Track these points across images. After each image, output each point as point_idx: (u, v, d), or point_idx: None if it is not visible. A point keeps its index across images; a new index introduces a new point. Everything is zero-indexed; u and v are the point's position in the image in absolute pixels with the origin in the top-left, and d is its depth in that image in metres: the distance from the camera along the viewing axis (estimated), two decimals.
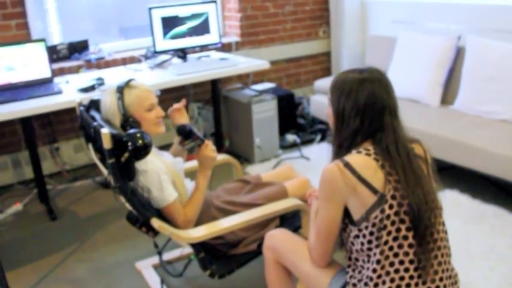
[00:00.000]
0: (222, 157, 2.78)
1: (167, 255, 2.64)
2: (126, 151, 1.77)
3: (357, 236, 1.58)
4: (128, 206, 1.95)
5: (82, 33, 3.96)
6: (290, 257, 1.82)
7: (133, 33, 4.29)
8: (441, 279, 1.56)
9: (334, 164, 1.57)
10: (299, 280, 1.87)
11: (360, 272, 1.62)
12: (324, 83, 4.31)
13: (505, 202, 3.12)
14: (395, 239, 1.52)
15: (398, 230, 1.52)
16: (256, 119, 3.84)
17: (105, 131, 1.76)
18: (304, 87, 5.07)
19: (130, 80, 2.08)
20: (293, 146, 4.25)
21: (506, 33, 3.61)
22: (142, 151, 1.79)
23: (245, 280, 2.48)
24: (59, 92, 3.12)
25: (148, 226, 2.07)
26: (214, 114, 4.15)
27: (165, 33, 3.75)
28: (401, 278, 1.52)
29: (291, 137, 4.30)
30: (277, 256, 1.87)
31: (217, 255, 2.17)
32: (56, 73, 3.50)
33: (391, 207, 1.51)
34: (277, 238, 1.89)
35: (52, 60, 3.53)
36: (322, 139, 4.35)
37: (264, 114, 3.89)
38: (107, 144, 1.76)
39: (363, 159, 1.56)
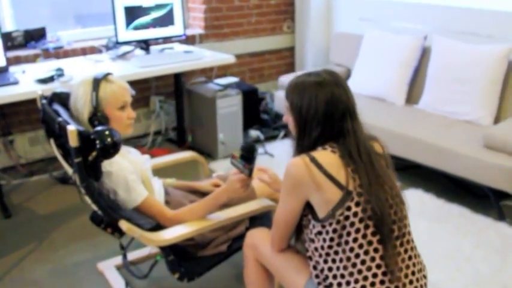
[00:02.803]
0: (187, 154, 2.70)
1: (131, 256, 2.54)
2: (94, 149, 1.67)
3: (319, 233, 1.56)
4: (94, 207, 1.85)
5: (35, 20, 3.76)
6: (268, 256, 1.78)
7: (90, 22, 4.12)
8: (411, 282, 1.55)
9: (300, 159, 1.55)
10: (276, 279, 1.84)
11: (322, 271, 1.60)
12: (287, 79, 4.24)
13: (468, 202, 3.16)
14: (360, 246, 1.50)
15: (364, 236, 1.50)
16: (220, 114, 3.76)
17: (71, 127, 1.65)
18: (267, 82, 5.02)
19: (108, 74, 1.97)
20: (256, 142, 4.19)
21: (471, 35, 3.66)
22: (111, 150, 1.69)
23: (214, 283, 2.41)
24: (15, 83, 2.95)
25: (114, 227, 1.97)
26: (176, 108, 4.04)
27: (127, 24, 3.61)
28: (372, 284, 1.51)
29: (254, 133, 4.24)
30: (257, 254, 1.83)
31: (186, 257, 2.09)
32: (10, 62, 3.31)
33: (357, 204, 1.50)
34: (257, 236, 1.85)
35: (6, 48, 3.34)
36: (286, 135, 4.31)
37: (229, 109, 3.81)
38: (73, 141, 1.65)
39: (328, 155, 1.55)
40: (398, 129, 3.35)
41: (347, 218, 1.50)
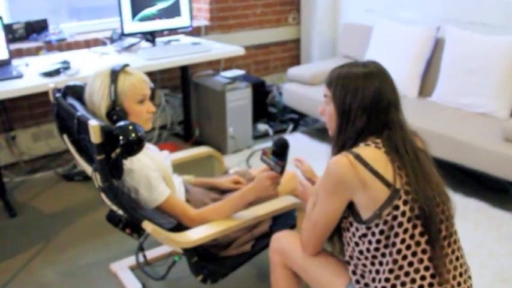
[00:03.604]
0: (203, 149, 2.60)
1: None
2: (117, 146, 1.56)
3: (364, 235, 1.46)
4: (115, 207, 1.74)
5: (30, 13, 3.62)
6: (300, 261, 1.67)
7: (85, 15, 3.99)
8: (459, 284, 1.48)
9: (343, 156, 1.45)
10: (310, 286, 1.73)
11: (363, 277, 1.52)
12: (298, 71, 4.16)
13: (486, 196, 3.08)
14: (408, 247, 1.42)
15: (412, 236, 1.41)
16: (230, 108, 3.65)
17: (94, 123, 1.54)
18: (272, 75, 4.91)
19: (125, 65, 1.85)
20: (264, 135, 4.09)
21: (482, 25, 3.56)
22: (136, 146, 1.58)
23: (235, 283, 2.31)
24: (19, 76, 2.83)
25: (133, 228, 1.86)
26: (183, 101, 3.93)
27: (133, 15, 3.48)
28: (421, 287, 1.42)
29: (262, 127, 4.15)
30: (286, 259, 1.72)
31: (209, 257, 1.99)
32: (12, 55, 3.19)
33: (405, 203, 1.41)
34: (286, 240, 1.74)
35: (7, 40, 3.21)
36: (294, 129, 4.22)
37: (238, 102, 3.70)
38: (96, 138, 1.54)
39: (373, 151, 1.46)
40: (411, 123, 3.21)
41: (395, 217, 1.40)
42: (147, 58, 3.21)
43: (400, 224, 1.41)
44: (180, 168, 2.35)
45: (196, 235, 1.76)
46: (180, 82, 3.98)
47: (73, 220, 2.90)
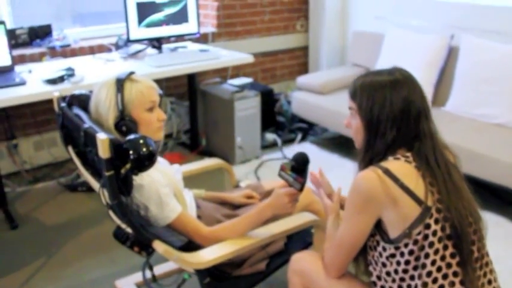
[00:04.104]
0: (212, 161, 2.50)
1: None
2: (128, 161, 1.45)
3: (392, 256, 1.36)
4: (124, 226, 1.63)
5: (32, 18, 3.54)
6: (322, 284, 1.56)
7: (89, 21, 3.90)
8: None
9: (371, 171, 1.35)
10: None
11: None
12: (307, 79, 4.07)
13: (502, 209, 2.97)
14: (439, 269, 1.31)
15: (443, 257, 1.31)
16: (238, 117, 3.55)
17: (102, 136, 1.43)
18: (279, 83, 4.82)
19: (131, 73, 1.75)
20: (273, 145, 3.99)
21: (495, 33, 3.46)
22: (147, 161, 1.47)
23: None
24: (22, 83, 2.74)
25: (142, 246, 1.75)
26: (190, 110, 3.83)
27: (140, 21, 3.39)
28: None
29: (270, 136, 4.05)
30: (307, 282, 1.61)
31: (221, 277, 1.88)
32: (15, 61, 3.09)
33: (436, 222, 1.31)
34: (306, 261, 1.63)
35: (11, 46, 3.12)
36: (303, 138, 4.12)
37: (247, 111, 3.60)
38: (104, 152, 1.44)
39: (403, 166, 1.36)
40: None
41: (426, 237, 1.30)
42: (154, 65, 3.12)
43: (431, 244, 1.31)
44: (188, 181, 2.24)
45: (209, 255, 1.65)
46: (186, 90, 3.88)
47: (77, 233, 2.79)
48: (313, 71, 4.78)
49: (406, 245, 1.32)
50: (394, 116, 1.37)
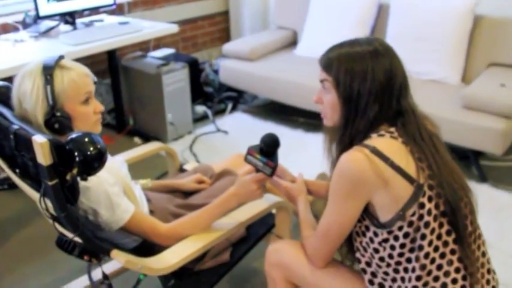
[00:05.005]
0: (154, 145, 2.30)
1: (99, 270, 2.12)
2: (74, 165, 1.24)
3: (386, 240, 1.27)
4: (76, 239, 1.42)
5: None
6: (307, 275, 1.45)
7: None
8: (488, 282, 1.34)
9: (357, 151, 1.24)
10: None
11: (383, 286, 1.34)
12: (234, 46, 3.90)
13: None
14: (436, 249, 1.25)
15: (439, 236, 1.25)
16: (167, 92, 3.33)
17: (40, 139, 1.21)
18: (202, 51, 4.60)
19: (60, 58, 1.50)
20: (203, 118, 3.82)
21: None
22: (96, 162, 1.26)
23: None
24: None
25: (92, 253, 1.56)
26: (113, 88, 3.55)
27: None
28: None
29: (200, 108, 3.87)
30: (289, 274, 1.50)
31: (183, 274, 1.73)
32: None
33: (430, 199, 1.23)
34: (285, 252, 1.51)
35: None
36: (234, 108, 3.97)
37: (176, 85, 3.39)
38: (45, 158, 1.21)
39: (390, 142, 1.26)
40: None
41: (421, 217, 1.22)
42: (71, 43, 2.82)
43: (427, 224, 1.23)
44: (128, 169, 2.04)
45: (175, 257, 1.49)
46: (106, 66, 3.59)
47: (4, 239, 2.50)
48: (236, 37, 4.60)
49: (400, 228, 1.24)
50: (376, 91, 1.26)
